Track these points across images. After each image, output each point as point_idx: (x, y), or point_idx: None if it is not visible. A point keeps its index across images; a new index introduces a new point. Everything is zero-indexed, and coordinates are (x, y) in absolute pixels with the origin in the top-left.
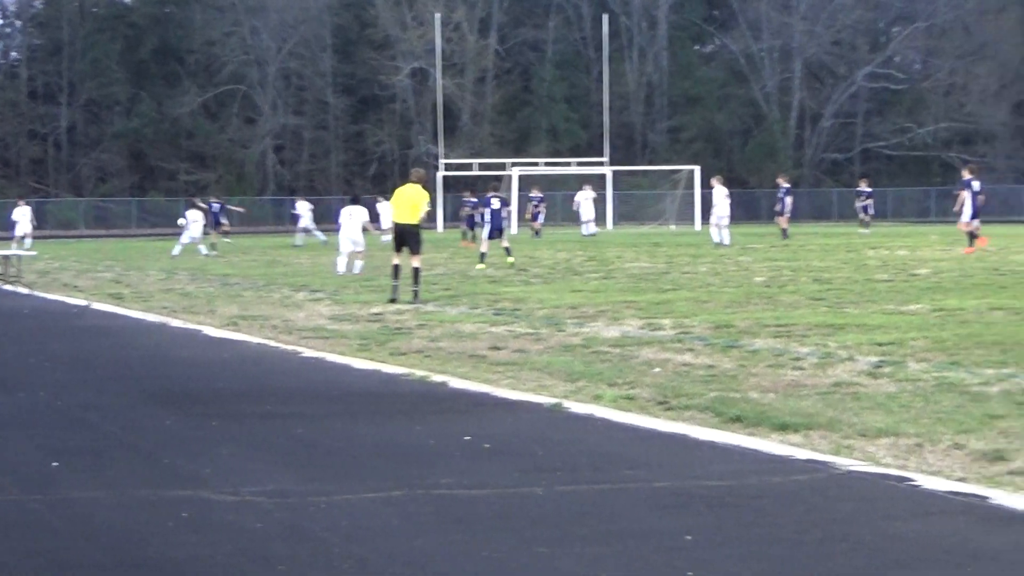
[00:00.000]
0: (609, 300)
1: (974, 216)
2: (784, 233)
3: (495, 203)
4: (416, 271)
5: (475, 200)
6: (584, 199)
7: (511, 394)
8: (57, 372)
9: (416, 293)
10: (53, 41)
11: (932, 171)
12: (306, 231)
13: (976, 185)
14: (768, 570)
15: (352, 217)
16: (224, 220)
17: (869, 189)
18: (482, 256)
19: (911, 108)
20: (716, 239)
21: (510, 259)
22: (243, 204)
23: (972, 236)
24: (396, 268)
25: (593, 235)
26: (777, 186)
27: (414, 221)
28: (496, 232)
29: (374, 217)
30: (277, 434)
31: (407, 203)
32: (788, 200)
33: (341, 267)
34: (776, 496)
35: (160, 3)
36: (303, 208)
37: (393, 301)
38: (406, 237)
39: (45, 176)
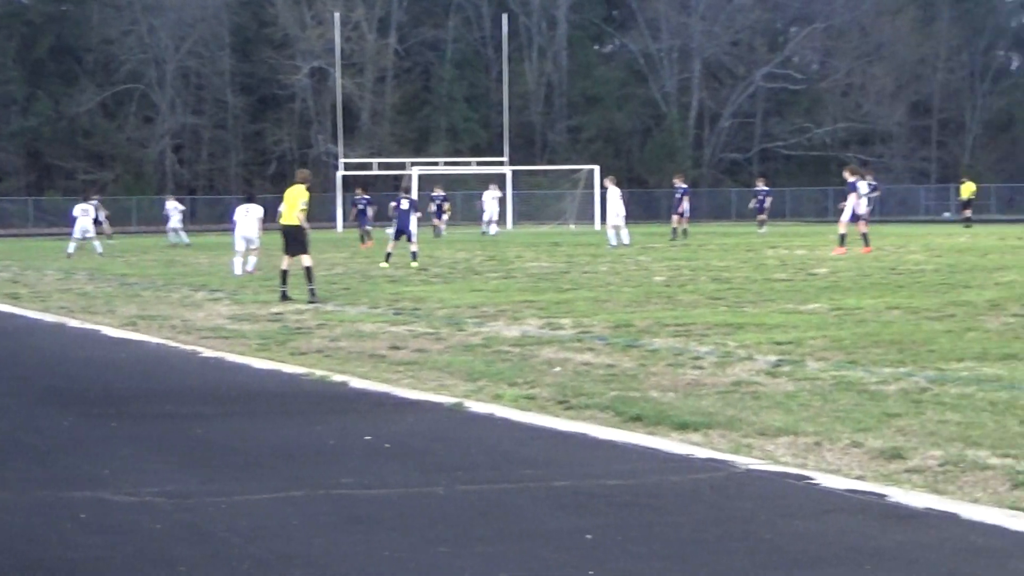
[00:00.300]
0: (509, 300)
1: (854, 218)
2: (673, 232)
3: (404, 203)
4: (308, 270)
5: (367, 198)
6: (490, 198)
7: (411, 394)
8: None
9: (312, 292)
10: None
11: (830, 171)
12: (175, 231)
13: (863, 186)
14: (668, 569)
15: (248, 215)
16: (103, 221)
17: (767, 188)
18: (387, 256)
19: (809, 108)
20: (613, 242)
21: (415, 263)
22: (141, 204)
23: (844, 237)
24: (283, 273)
25: (495, 235)
26: (673, 186)
27: (295, 222)
28: (402, 233)
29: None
30: (177, 434)
31: (288, 204)
32: (684, 200)
33: (237, 268)
34: (676, 495)
35: (57, 1)
36: (172, 208)
37: (285, 296)
38: (289, 238)
39: None
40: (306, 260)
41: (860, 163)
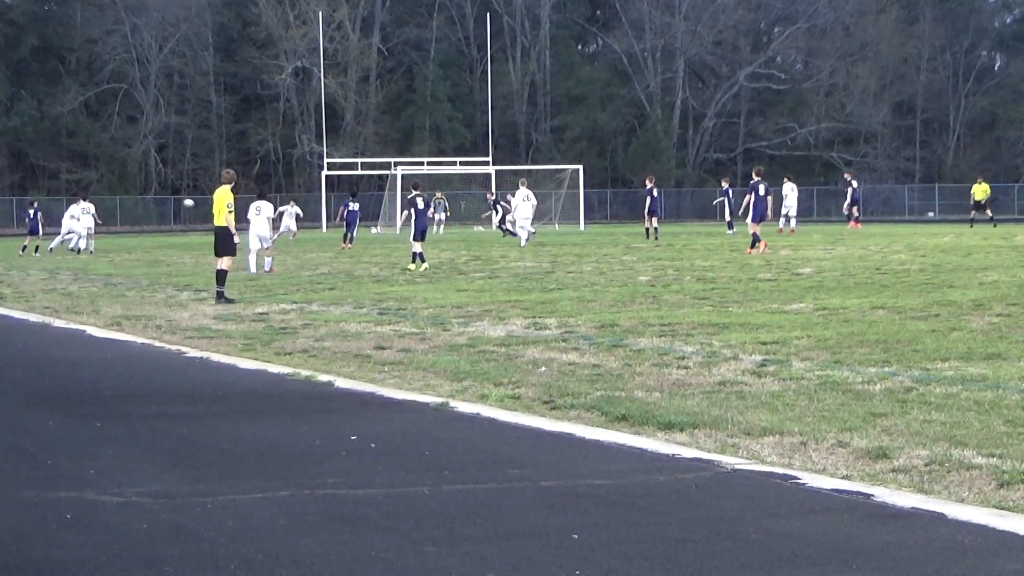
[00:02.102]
0: (494, 299)
1: (758, 218)
2: (647, 233)
3: (420, 203)
4: (220, 272)
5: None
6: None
7: (397, 394)
8: None
9: (219, 294)
10: None
11: (814, 171)
12: (73, 232)
13: (761, 189)
14: (655, 568)
15: (260, 213)
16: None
17: (726, 186)
18: (417, 256)
19: (793, 108)
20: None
21: (423, 265)
22: (124, 204)
23: (756, 238)
24: (218, 273)
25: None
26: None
27: (221, 223)
28: (420, 234)
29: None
30: (162, 434)
31: (216, 206)
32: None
33: (253, 267)
34: (662, 495)
35: (39, 1)
36: (76, 211)
37: (226, 298)
38: (217, 239)
39: None
40: (223, 263)
41: (845, 163)
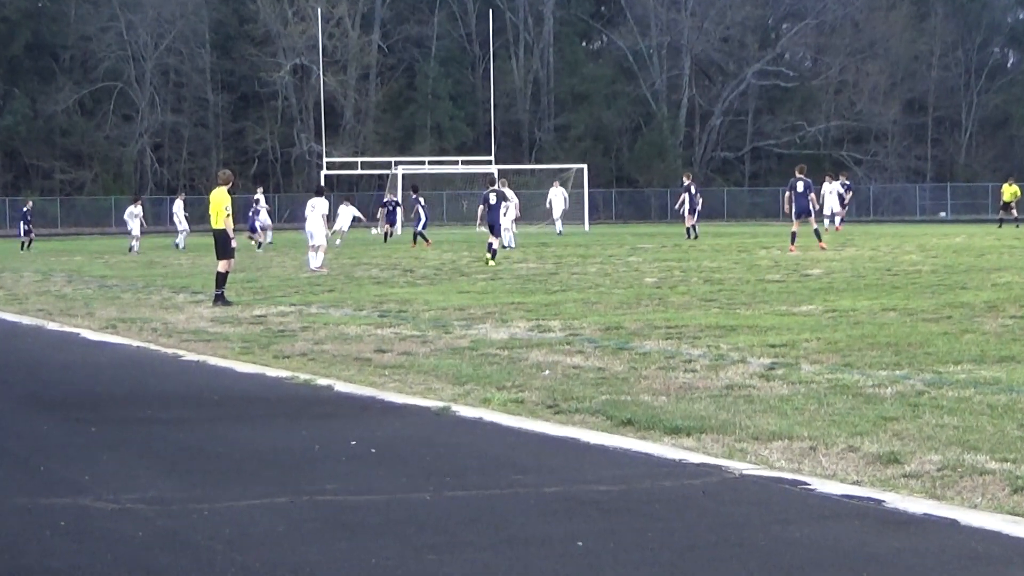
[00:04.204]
0: (497, 301)
1: (803, 214)
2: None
3: (492, 198)
4: (219, 275)
5: (396, 200)
6: (556, 195)
7: (398, 397)
8: None
9: (216, 296)
10: None
11: (824, 170)
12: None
13: (800, 186)
14: None
15: (314, 210)
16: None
17: (688, 182)
18: (493, 250)
19: (801, 106)
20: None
21: (493, 261)
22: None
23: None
24: (218, 276)
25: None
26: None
27: (220, 226)
28: (493, 228)
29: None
30: (158, 439)
31: (214, 209)
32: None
33: (313, 262)
34: (669, 501)
35: None
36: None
37: (224, 301)
38: (215, 242)
39: None
40: (221, 266)
41: (855, 162)
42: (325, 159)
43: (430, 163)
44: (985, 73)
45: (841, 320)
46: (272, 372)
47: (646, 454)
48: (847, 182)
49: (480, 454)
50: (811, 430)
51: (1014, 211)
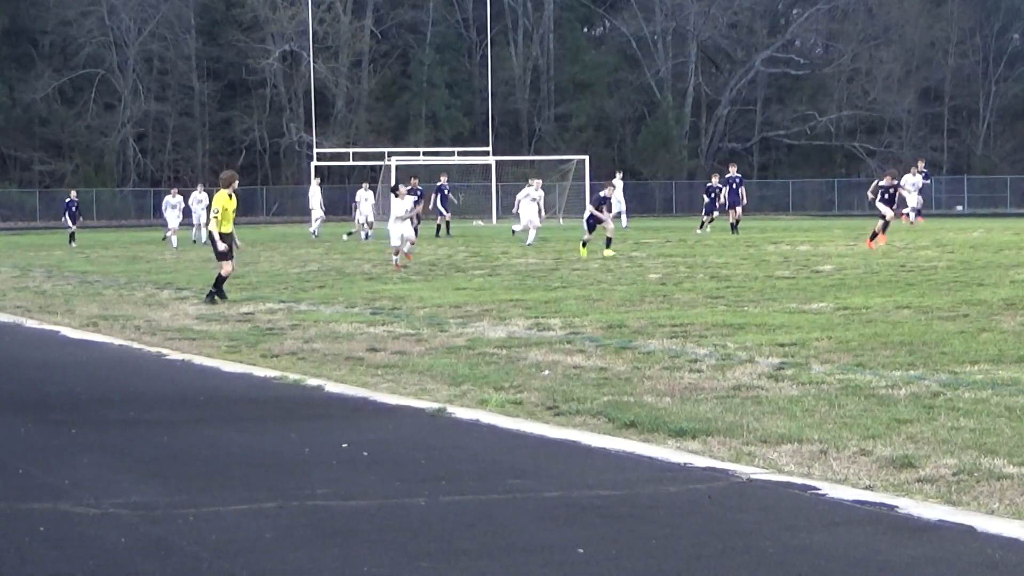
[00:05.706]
0: (494, 298)
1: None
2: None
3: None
4: (218, 276)
5: (445, 185)
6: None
7: (391, 399)
8: None
9: (210, 294)
10: None
11: (835, 161)
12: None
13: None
14: None
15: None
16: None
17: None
18: (608, 242)
19: (812, 95)
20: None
21: (608, 251)
22: (101, 196)
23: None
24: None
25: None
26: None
27: (228, 229)
28: (593, 222)
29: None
30: (141, 442)
31: (223, 212)
32: (741, 190)
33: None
34: (673, 506)
35: None
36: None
37: (213, 298)
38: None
39: None
40: (224, 268)
41: (868, 153)
42: (315, 150)
43: (425, 154)
44: (1004, 61)
45: (853, 318)
46: (260, 372)
47: (649, 458)
48: (924, 170)
49: (477, 457)
50: (822, 433)
51: None
